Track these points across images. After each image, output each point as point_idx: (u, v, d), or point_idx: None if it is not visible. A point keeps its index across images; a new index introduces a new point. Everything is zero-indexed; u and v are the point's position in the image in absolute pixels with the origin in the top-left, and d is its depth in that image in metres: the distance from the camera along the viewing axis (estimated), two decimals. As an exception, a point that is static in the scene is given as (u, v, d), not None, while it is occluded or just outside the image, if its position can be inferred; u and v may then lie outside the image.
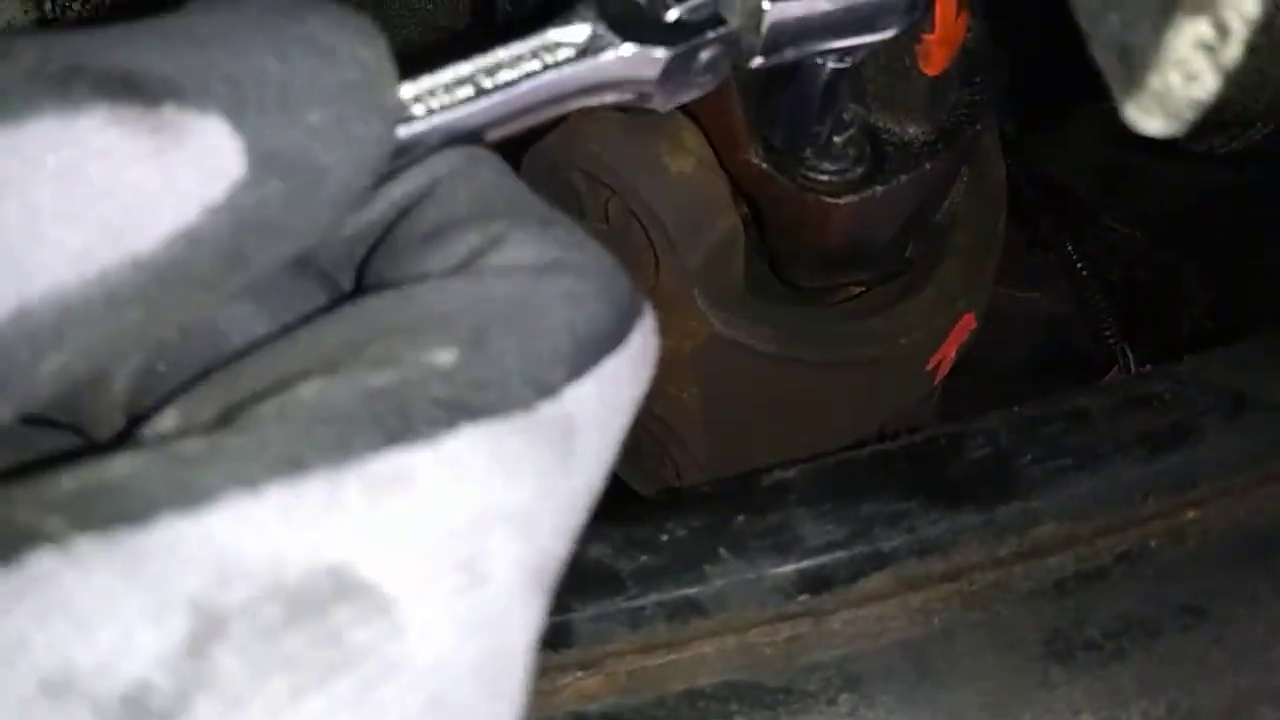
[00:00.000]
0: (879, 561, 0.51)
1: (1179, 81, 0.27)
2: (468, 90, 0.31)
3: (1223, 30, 0.25)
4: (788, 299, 0.67)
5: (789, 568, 0.51)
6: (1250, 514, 0.52)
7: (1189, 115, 0.27)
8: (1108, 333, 1.02)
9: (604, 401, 0.26)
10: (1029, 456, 0.54)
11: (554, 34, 0.33)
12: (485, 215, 0.27)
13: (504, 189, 0.29)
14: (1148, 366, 1.06)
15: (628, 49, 0.34)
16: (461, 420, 0.23)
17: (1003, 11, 0.63)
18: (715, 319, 0.63)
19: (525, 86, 0.32)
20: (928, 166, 0.59)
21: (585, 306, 0.26)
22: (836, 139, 0.57)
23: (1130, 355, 1.05)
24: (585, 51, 0.34)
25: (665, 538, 0.52)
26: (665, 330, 0.67)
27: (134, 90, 0.22)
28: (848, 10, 0.41)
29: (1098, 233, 1.03)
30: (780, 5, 0.39)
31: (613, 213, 0.63)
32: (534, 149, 0.64)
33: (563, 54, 0.33)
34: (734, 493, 0.53)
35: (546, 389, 0.24)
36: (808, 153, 0.58)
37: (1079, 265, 1.01)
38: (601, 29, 0.34)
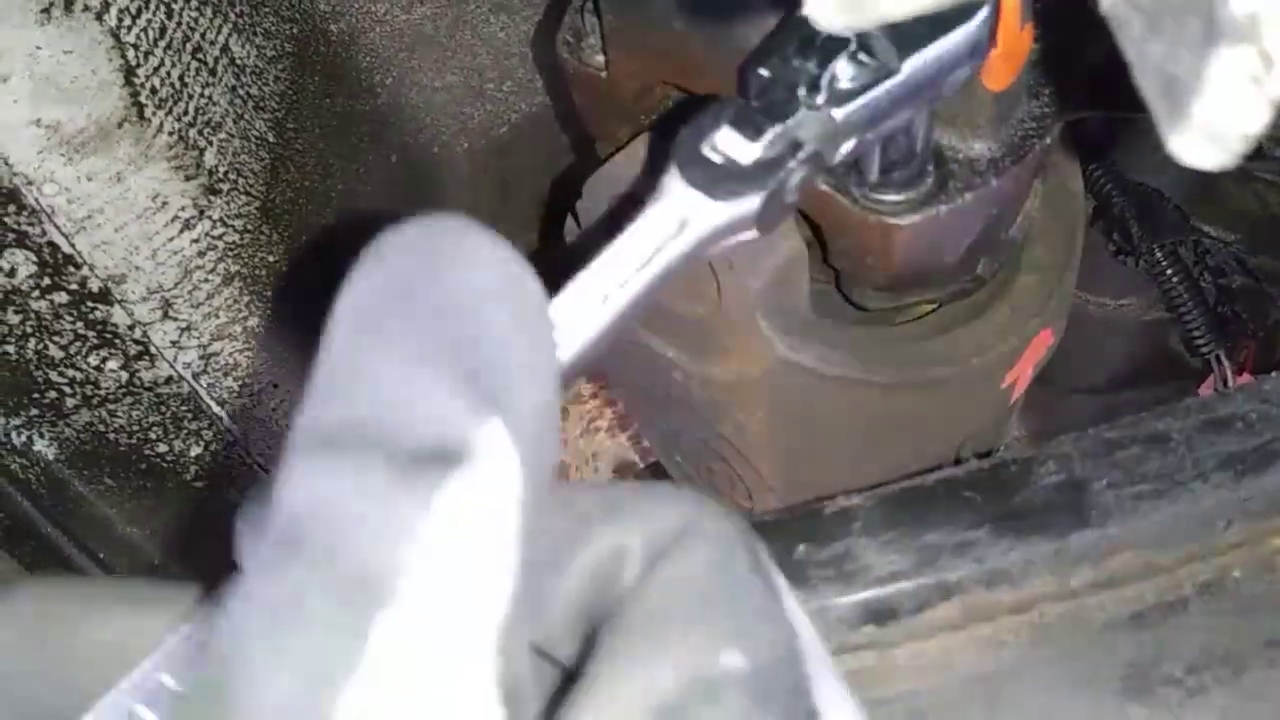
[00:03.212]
0: (946, 592, 0.50)
1: (1224, 113, 0.25)
2: (596, 305, 0.32)
3: (1268, 60, 0.24)
4: (854, 320, 0.66)
5: (853, 598, 0.50)
6: (1344, 541, 0.50)
7: (1236, 147, 0.26)
8: (1200, 341, 0.98)
9: None
10: (1104, 482, 0.52)
11: (651, 217, 0.35)
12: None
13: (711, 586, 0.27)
14: (1244, 374, 1.02)
15: (722, 209, 0.36)
16: None
17: (1077, 18, 0.61)
18: (780, 343, 0.63)
19: (643, 279, 0.33)
20: (994, 183, 0.57)
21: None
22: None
23: (1226, 363, 1.01)
24: (684, 223, 0.35)
25: (726, 568, 0.51)
26: (731, 354, 0.67)
27: None
28: (911, 83, 0.41)
29: (1189, 239, 0.99)
30: (846, 108, 0.39)
31: (674, 238, 0.62)
32: (594, 176, 0.64)
33: (664, 233, 0.34)
34: (796, 521, 0.53)
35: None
36: (870, 173, 0.57)
37: (1169, 272, 0.98)
38: (693, 196, 0.35)
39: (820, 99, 0.39)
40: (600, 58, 0.65)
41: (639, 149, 0.63)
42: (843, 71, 0.40)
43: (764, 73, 0.40)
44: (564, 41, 0.67)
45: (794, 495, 0.72)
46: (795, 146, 0.38)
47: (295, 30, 0.86)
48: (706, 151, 0.37)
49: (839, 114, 0.39)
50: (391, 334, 0.25)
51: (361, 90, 0.94)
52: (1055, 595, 0.49)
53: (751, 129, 0.38)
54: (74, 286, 0.76)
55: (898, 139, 0.54)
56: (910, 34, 0.40)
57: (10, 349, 0.80)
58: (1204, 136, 0.26)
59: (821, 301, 0.66)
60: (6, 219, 0.72)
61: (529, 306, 0.27)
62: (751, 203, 0.36)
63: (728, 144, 0.37)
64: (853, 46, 0.40)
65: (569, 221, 0.69)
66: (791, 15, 0.39)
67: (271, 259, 0.82)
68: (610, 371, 0.80)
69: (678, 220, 0.35)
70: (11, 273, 0.74)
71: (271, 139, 0.82)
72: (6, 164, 0.69)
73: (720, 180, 0.36)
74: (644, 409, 0.80)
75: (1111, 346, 1.10)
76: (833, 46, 0.39)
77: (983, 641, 0.49)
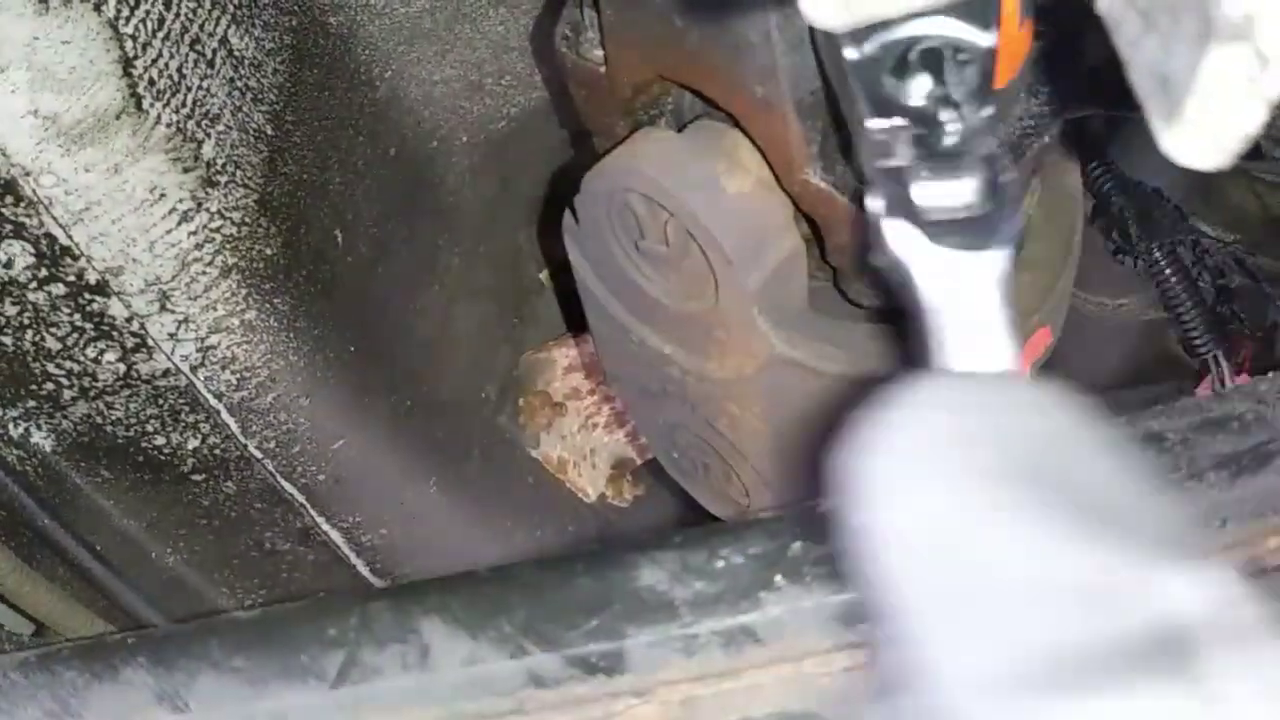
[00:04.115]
0: (940, 590, 0.49)
1: (1219, 112, 0.25)
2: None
3: (1263, 59, 0.24)
4: (852, 316, 0.66)
5: (846, 596, 0.50)
6: (1339, 542, 0.50)
7: (1231, 146, 0.26)
8: (1198, 341, 0.98)
9: None
10: (1100, 481, 0.52)
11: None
12: None
13: None
14: (1242, 374, 1.02)
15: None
16: None
17: (1076, 17, 0.61)
18: (777, 340, 0.63)
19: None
20: (992, 182, 0.57)
21: None
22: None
23: (1224, 363, 1.01)
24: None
25: (721, 565, 0.51)
26: (727, 351, 0.67)
27: None
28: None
29: (1187, 239, 0.99)
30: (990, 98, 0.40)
31: (671, 234, 0.62)
32: (592, 172, 0.64)
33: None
34: (791, 518, 0.53)
35: None
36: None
37: (1167, 272, 0.98)
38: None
39: (966, 109, 0.39)
40: (599, 52, 0.65)
41: (637, 144, 0.63)
42: (953, 71, 0.39)
43: (885, 124, 0.39)
44: (563, 36, 0.67)
45: (789, 492, 0.72)
46: (993, 155, 0.38)
47: (294, 23, 0.86)
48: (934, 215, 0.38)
49: (986, 109, 0.39)
50: None
51: (360, 83, 0.93)
52: (1049, 594, 0.49)
53: (945, 171, 0.38)
54: (71, 278, 0.76)
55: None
56: None
57: (7, 340, 0.80)
58: (1199, 136, 0.26)
59: (819, 298, 0.66)
60: (4, 210, 0.71)
61: None
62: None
63: (935, 196, 0.38)
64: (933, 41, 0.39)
65: (567, 217, 0.69)
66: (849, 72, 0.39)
67: (269, 252, 0.82)
68: (608, 368, 0.80)
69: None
70: (9, 264, 0.74)
71: (270, 131, 0.82)
72: (4, 155, 0.69)
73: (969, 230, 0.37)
74: (641, 405, 0.80)
75: (1109, 346, 1.10)
76: (919, 58, 0.39)
77: (976, 639, 0.49)
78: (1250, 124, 0.25)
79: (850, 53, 0.38)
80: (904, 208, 0.40)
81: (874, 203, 0.40)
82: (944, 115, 0.39)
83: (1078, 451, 0.27)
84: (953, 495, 0.25)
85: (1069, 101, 0.60)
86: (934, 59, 0.39)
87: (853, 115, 0.40)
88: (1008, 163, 0.39)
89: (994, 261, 0.38)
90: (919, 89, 0.39)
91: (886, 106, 0.39)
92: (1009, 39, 0.55)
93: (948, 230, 0.38)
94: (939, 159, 0.39)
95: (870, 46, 0.38)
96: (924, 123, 0.39)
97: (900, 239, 0.39)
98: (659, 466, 0.88)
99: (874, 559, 0.26)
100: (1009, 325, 0.37)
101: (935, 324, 0.38)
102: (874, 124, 0.39)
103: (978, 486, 0.25)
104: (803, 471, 0.72)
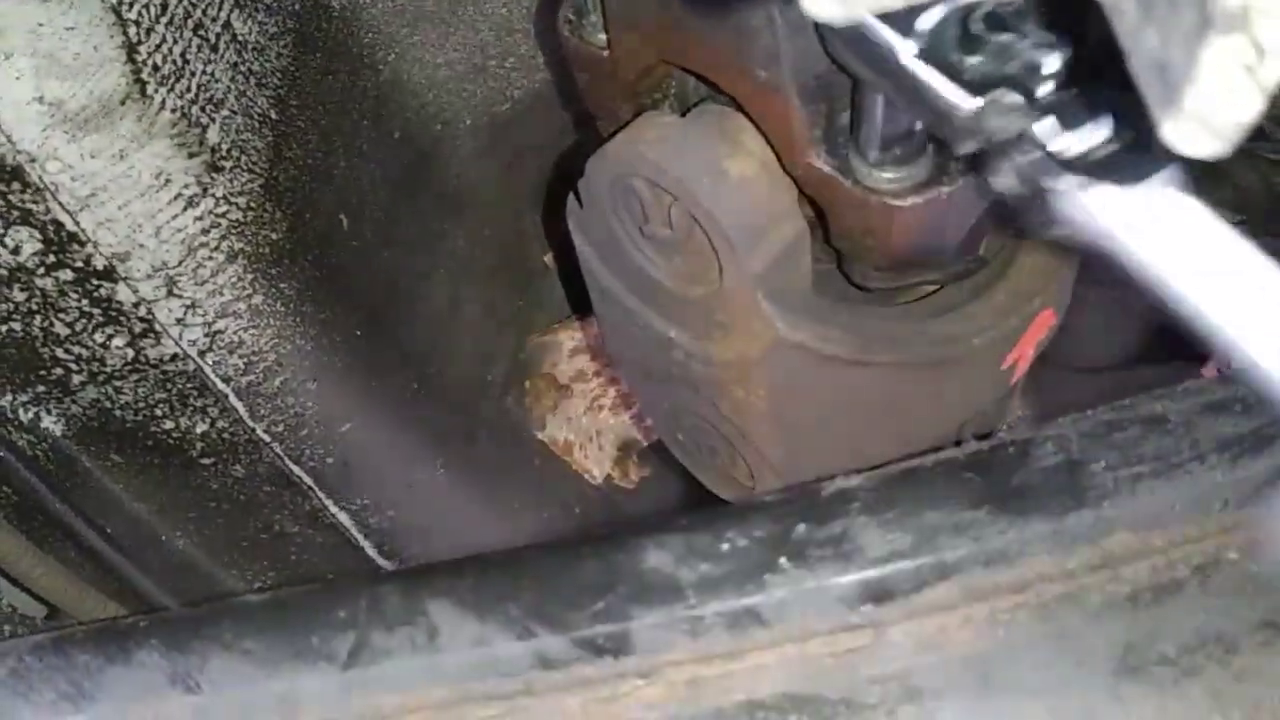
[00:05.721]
0: (943, 571, 0.50)
1: (1217, 101, 0.25)
2: None
3: (1260, 49, 0.24)
4: (856, 300, 0.67)
5: (851, 578, 0.50)
6: (1339, 523, 0.50)
7: (1230, 135, 0.26)
8: (1203, 322, 0.98)
9: None
10: (1102, 464, 0.52)
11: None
12: None
13: None
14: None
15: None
16: None
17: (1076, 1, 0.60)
18: (781, 323, 0.63)
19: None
20: (995, 165, 0.57)
21: None
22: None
23: (1229, 344, 1.01)
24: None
25: (726, 547, 0.52)
26: (732, 334, 0.67)
27: None
28: None
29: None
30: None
31: (675, 218, 0.62)
32: (595, 156, 0.64)
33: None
34: (795, 501, 0.53)
35: None
36: (871, 154, 0.57)
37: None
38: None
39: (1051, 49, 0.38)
40: (602, 36, 0.65)
41: (641, 128, 0.63)
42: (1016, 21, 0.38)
43: (977, 101, 0.38)
44: (565, 20, 0.67)
45: (794, 475, 0.72)
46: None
47: (297, 6, 0.86)
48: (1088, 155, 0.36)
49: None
50: None
51: (363, 67, 0.93)
52: (1052, 575, 0.50)
53: (1070, 115, 0.36)
54: (79, 264, 0.76)
55: (896, 114, 0.54)
56: None
57: (16, 326, 0.80)
58: (1197, 125, 0.26)
59: (823, 282, 0.66)
60: (11, 196, 0.72)
61: None
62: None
63: (1076, 141, 0.36)
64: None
65: (571, 200, 0.69)
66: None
67: (275, 236, 0.82)
68: (613, 351, 0.80)
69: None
70: (16, 250, 0.75)
71: (274, 116, 0.82)
72: (10, 141, 0.69)
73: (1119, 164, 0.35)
74: (646, 388, 0.80)
75: (1114, 327, 1.10)
76: (982, 24, 0.38)
77: (979, 621, 0.49)
78: (1248, 114, 0.25)
79: (907, 45, 0.37)
80: (1053, 168, 0.36)
81: (1005, 181, 0.38)
82: (1037, 61, 0.37)
83: None
84: None
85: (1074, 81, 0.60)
86: (994, 20, 0.38)
87: (933, 107, 0.39)
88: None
89: (1177, 179, 0.35)
90: (995, 52, 0.38)
91: (968, 82, 0.38)
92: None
93: (1114, 169, 0.35)
94: (1054, 107, 0.37)
95: (920, 35, 0.37)
96: (1020, 79, 0.37)
97: (1079, 198, 0.35)
98: (665, 449, 0.88)
99: None
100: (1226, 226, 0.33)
101: (1159, 264, 0.34)
102: (967, 104, 0.38)
103: None
104: (807, 453, 0.72)
